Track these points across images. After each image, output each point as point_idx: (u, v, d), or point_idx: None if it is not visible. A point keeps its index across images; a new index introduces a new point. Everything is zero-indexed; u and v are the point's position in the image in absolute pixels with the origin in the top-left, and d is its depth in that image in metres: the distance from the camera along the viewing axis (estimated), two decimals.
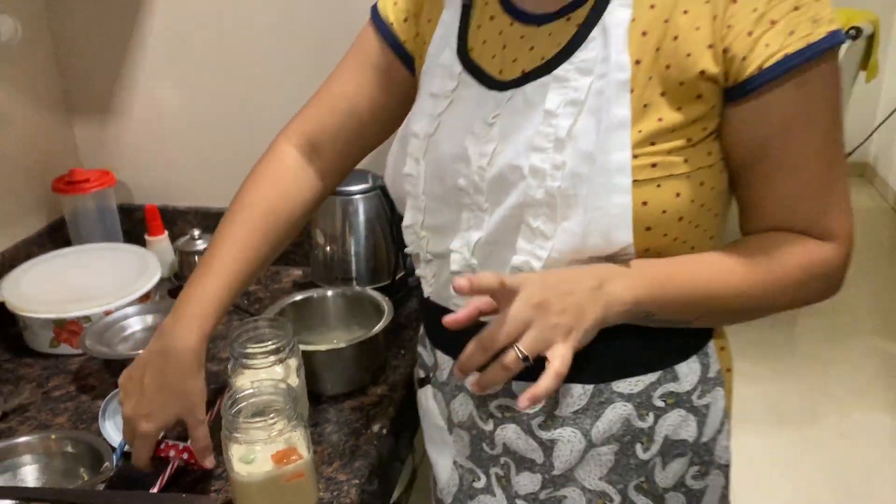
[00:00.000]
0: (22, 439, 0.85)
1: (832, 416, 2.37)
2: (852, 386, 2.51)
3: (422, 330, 0.89)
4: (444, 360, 0.82)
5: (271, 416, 0.73)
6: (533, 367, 0.64)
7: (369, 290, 1.06)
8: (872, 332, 2.79)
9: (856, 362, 2.63)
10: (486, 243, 0.73)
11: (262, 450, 0.73)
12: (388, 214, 1.13)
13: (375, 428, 0.91)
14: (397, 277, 1.16)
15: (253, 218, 0.83)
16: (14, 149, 1.21)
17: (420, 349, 0.90)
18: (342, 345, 0.95)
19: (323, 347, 0.94)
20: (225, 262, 0.81)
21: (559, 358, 0.62)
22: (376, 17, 0.85)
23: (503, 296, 0.63)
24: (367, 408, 0.94)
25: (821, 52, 0.63)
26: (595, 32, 0.67)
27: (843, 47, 2.66)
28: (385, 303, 1.01)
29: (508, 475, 0.80)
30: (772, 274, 0.70)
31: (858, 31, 2.78)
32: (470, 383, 0.67)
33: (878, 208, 3.86)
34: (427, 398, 0.87)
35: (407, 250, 0.82)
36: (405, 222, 0.79)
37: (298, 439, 0.75)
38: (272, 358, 0.83)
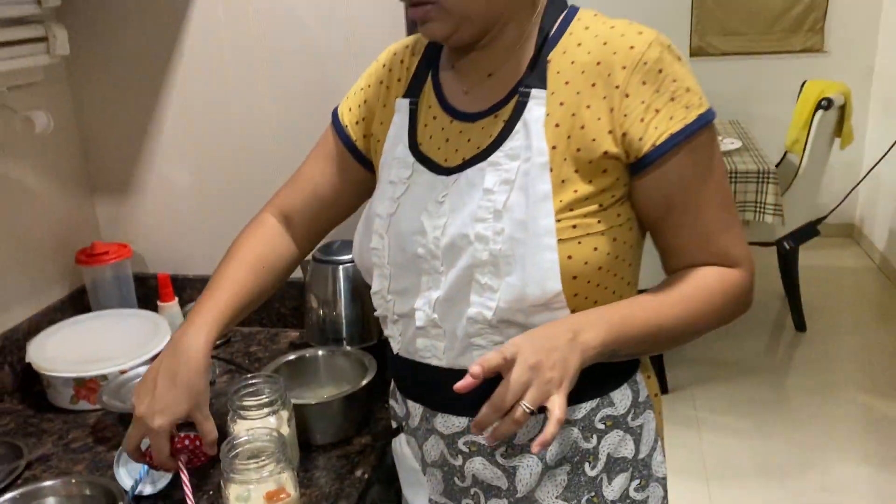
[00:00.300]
0: (46, 483, 0.96)
1: (816, 469, 2.45)
2: (836, 440, 2.58)
3: (392, 385, 1.01)
4: (415, 408, 0.95)
5: (263, 458, 0.85)
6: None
7: (356, 350, 1.18)
8: (857, 388, 2.88)
9: (840, 417, 2.71)
10: (444, 300, 0.86)
11: (256, 489, 0.85)
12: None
13: (358, 473, 1.02)
14: (382, 337, 1.28)
15: (245, 262, 0.99)
16: (42, 225, 1.36)
17: (392, 402, 1.02)
18: (330, 398, 1.07)
19: (312, 401, 1.06)
20: (224, 291, 0.96)
21: (558, 407, 0.74)
22: (335, 119, 1.03)
23: (506, 366, 0.76)
24: (352, 455, 1.06)
25: (697, 129, 0.80)
26: (518, 126, 0.83)
27: (817, 116, 2.84)
28: (369, 361, 1.13)
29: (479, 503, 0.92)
30: (701, 301, 0.85)
31: (829, 102, 2.95)
32: (485, 437, 0.78)
33: (865, 267, 3.98)
34: (401, 445, 0.99)
35: (376, 314, 0.95)
36: (374, 289, 0.93)
37: (287, 480, 0.87)
38: (266, 409, 0.94)
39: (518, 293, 0.81)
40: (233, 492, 0.85)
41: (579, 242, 0.81)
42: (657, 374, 2.82)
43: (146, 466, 0.99)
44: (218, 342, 1.08)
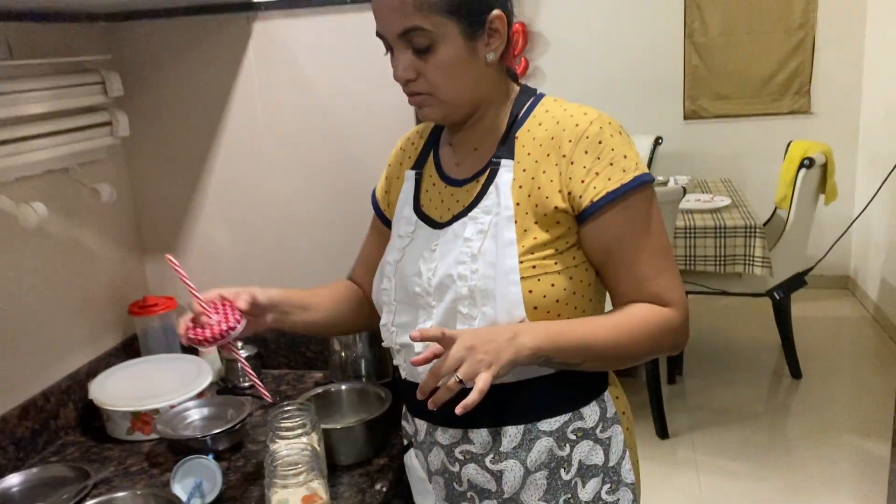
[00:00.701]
0: (118, 495, 1.14)
1: None
2: (831, 482, 2.70)
3: (403, 408, 1.20)
4: (421, 425, 1.13)
5: (300, 467, 1.03)
6: (460, 395, 0.94)
7: (375, 384, 1.36)
8: (851, 432, 3.00)
9: (835, 459, 2.83)
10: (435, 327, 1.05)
11: (294, 493, 1.02)
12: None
13: (377, 487, 1.19)
14: (396, 375, 1.47)
15: (331, 289, 1.26)
16: (100, 280, 1.57)
17: (403, 423, 1.20)
18: (352, 424, 1.25)
19: (338, 426, 1.24)
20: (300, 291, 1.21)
21: (482, 381, 0.92)
22: (373, 199, 1.27)
23: (446, 342, 0.94)
24: (372, 473, 1.23)
25: (632, 188, 1.00)
26: (491, 188, 1.05)
27: (801, 174, 3.05)
28: (385, 393, 1.32)
29: None
30: (632, 328, 1.03)
31: (812, 161, 3.16)
32: (429, 403, 0.95)
33: (859, 317, 4.12)
34: (411, 458, 1.17)
35: (383, 345, 1.14)
36: (382, 322, 1.13)
37: (319, 487, 1.04)
38: (299, 431, 1.12)
39: (491, 320, 1.00)
40: (276, 497, 1.03)
41: (538, 279, 1.00)
42: (657, 420, 2.99)
43: (196, 481, 1.17)
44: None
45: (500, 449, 1.07)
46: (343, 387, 1.37)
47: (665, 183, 3.45)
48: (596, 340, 1.01)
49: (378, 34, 1.05)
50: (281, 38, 1.50)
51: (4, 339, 1.33)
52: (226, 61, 1.54)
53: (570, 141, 1.02)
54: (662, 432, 3.03)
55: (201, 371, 1.50)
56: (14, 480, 1.26)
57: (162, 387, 1.44)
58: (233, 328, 1.09)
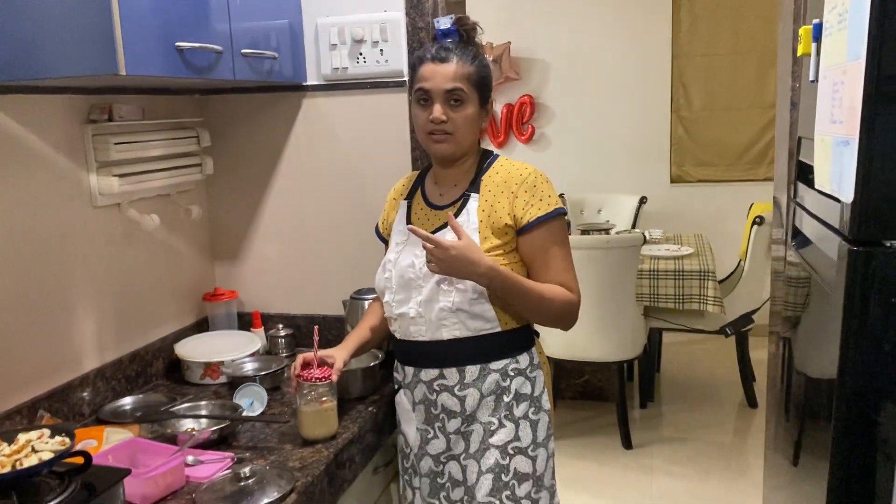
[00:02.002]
0: (201, 402, 1.75)
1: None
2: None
3: (395, 362, 1.76)
4: (409, 371, 1.68)
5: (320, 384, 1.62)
6: (442, 359, 1.55)
7: (370, 351, 1.96)
8: None
9: None
10: (425, 301, 1.60)
11: (315, 399, 1.61)
12: None
13: (372, 410, 1.77)
14: (390, 348, 2.06)
15: (365, 325, 1.79)
16: (184, 275, 2.20)
17: (395, 373, 1.77)
18: (357, 368, 1.84)
19: (351, 367, 1.83)
20: (356, 336, 1.76)
21: (435, 265, 1.49)
22: (377, 232, 1.83)
23: (436, 243, 1.47)
24: (369, 403, 1.82)
25: (552, 216, 1.57)
26: (464, 211, 1.61)
27: (753, 230, 3.67)
28: (381, 354, 1.91)
29: (444, 423, 1.64)
30: (551, 294, 1.57)
31: (762, 219, 3.73)
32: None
33: None
34: (400, 397, 1.73)
35: (385, 315, 1.73)
36: (385, 300, 1.69)
37: (330, 397, 1.63)
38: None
39: (462, 291, 1.56)
40: (302, 401, 1.62)
41: None
42: (623, 434, 3.51)
43: (249, 400, 1.77)
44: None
45: (464, 381, 1.61)
46: None
47: (645, 236, 4.03)
48: (528, 291, 1.55)
49: (421, 89, 1.58)
50: (321, 110, 2.15)
51: (122, 308, 1.95)
52: (281, 125, 2.19)
53: (516, 183, 1.59)
54: (627, 444, 3.56)
55: (252, 341, 2.11)
56: (127, 400, 1.87)
57: (225, 349, 2.05)
58: (323, 378, 1.63)
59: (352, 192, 2.17)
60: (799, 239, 1.78)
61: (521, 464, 1.62)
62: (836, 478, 1.44)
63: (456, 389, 1.63)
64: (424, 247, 1.52)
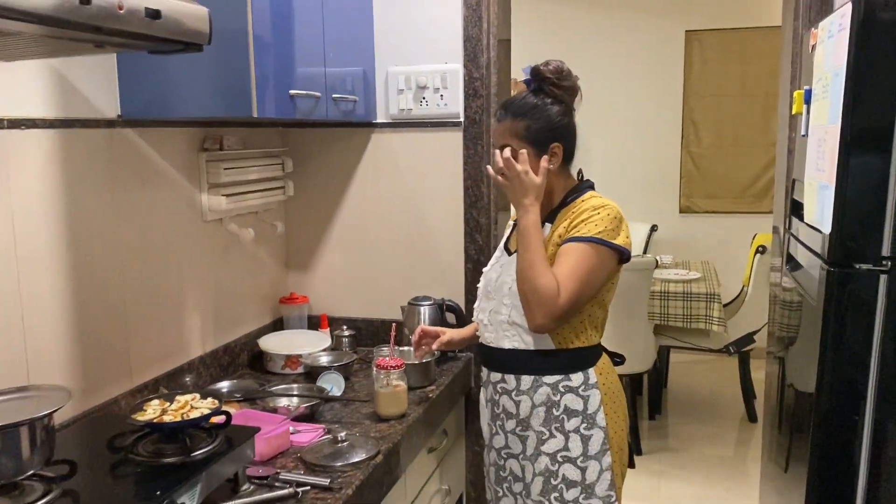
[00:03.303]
0: (293, 385, 2.10)
1: (747, 502, 3.38)
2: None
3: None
4: (484, 371, 1.89)
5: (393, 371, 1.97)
6: (508, 366, 1.81)
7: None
8: None
9: None
10: (492, 310, 1.85)
11: (390, 383, 1.96)
12: (440, 315, 2.41)
13: (431, 396, 2.13)
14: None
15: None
16: (265, 282, 2.56)
17: (481, 373, 2.01)
18: (417, 363, 2.19)
19: (412, 362, 2.18)
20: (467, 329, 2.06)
21: (522, 172, 1.70)
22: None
23: (515, 159, 1.69)
24: (428, 392, 2.17)
25: (584, 240, 1.68)
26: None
27: (756, 258, 4.05)
28: (438, 352, 2.26)
29: (504, 423, 1.82)
30: (538, 271, 1.66)
31: (764, 248, 4.09)
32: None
33: None
34: (479, 395, 1.99)
35: (473, 319, 1.97)
36: (475, 306, 1.92)
37: (401, 381, 1.98)
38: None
39: (518, 309, 1.73)
40: (378, 383, 1.97)
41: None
42: (633, 440, 3.83)
43: (330, 385, 2.12)
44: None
45: (520, 388, 1.78)
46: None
47: (656, 261, 4.39)
48: (529, 249, 1.68)
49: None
50: (387, 144, 2.53)
51: (219, 306, 2.31)
52: (353, 155, 2.56)
53: (580, 211, 1.72)
54: (637, 450, 3.89)
55: (322, 338, 2.46)
56: (224, 384, 2.22)
57: (301, 344, 2.41)
58: (397, 367, 1.97)
59: (410, 213, 2.54)
60: (792, 264, 2.14)
61: (570, 471, 1.76)
62: (814, 479, 1.77)
63: (513, 394, 1.80)
64: (501, 154, 1.72)
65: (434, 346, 2.01)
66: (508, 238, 1.91)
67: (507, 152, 1.73)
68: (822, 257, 1.69)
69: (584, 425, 1.75)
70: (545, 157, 1.74)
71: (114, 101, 1.84)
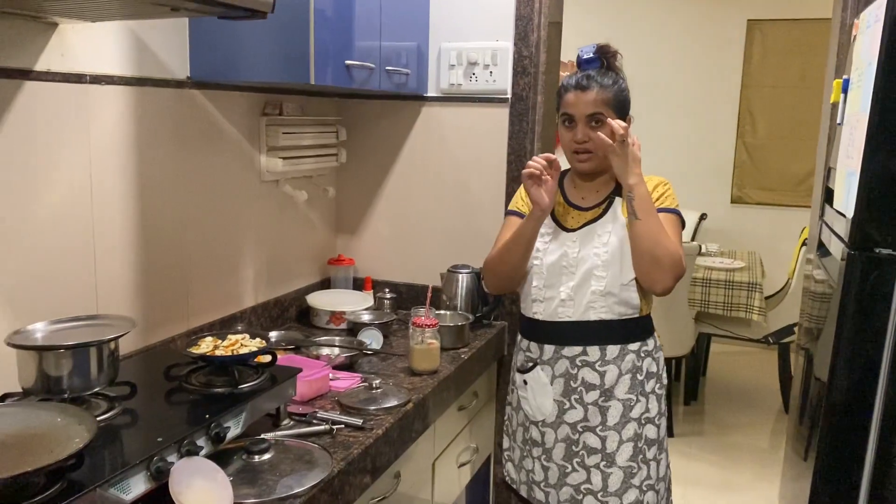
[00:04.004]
0: (335, 337, 2.25)
1: (767, 483, 3.42)
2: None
3: (524, 340, 1.98)
4: (549, 349, 1.90)
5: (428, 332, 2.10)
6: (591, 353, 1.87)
7: (461, 313, 2.43)
8: None
9: None
10: (576, 285, 1.92)
11: (425, 340, 2.09)
12: (476, 284, 2.52)
13: (464, 356, 2.25)
14: (477, 314, 2.53)
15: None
16: (315, 243, 2.71)
17: (527, 353, 1.96)
18: (453, 325, 2.31)
19: (447, 323, 2.30)
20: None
21: (632, 145, 1.77)
22: (514, 211, 1.99)
23: (626, 136, 1.75)
24: (460, 351, 2.29)
25: (668, 210, 1.83)
26: (609, 211, 1.85)
27: (801, 251, 4.03)
28: (470, 315, 2.38)
29: (582, 396, 1.86)
30: (667, 234, 1.77)
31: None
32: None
33: None
34: (538, 372, 1.91)
35: (531, 300, 1.92)
36: (534, 285, 1.90)
37: (435, 339, 2.10)
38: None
39: (613, 277, 1.81)
40: (413, 340, 2.10)
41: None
42: (668, 422, 3.89)
43: (370, 339, 2.25)
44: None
45: (605, 358, 1.85)
46: (447, 313, 2.45)
47: (700, 247, 4.42)
48: (657, 217, 1.77)
49: (566, 114, 1.81)
50: (437, 117, 2.64)
51: (271, 262, 2.47)
52: (403, 127, 2.68)
53: (651, 185, 1.82)
54: (669, 432, 3.95)
55: (365, 299, 2.60)
56: (273, 334, 2.38)
57: (346, 302, 2.55)
58: (431, 325, 2.08)
59: (455, 185, 2.65)
60: (822, 251, 2.19)
61: (650, 431, 1.88)
62: (822, 464, 1.82)
63: (597, 365, 1.86)
64: (615, 131, 1.74)
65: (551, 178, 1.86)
66: (555, 216, 1.94)
67: (620, 123, 1.76)
68: (845, 241, 1.75)
69: (657, 385, 1.91)
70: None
71: (184, 64, 1.99)
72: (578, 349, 1.87)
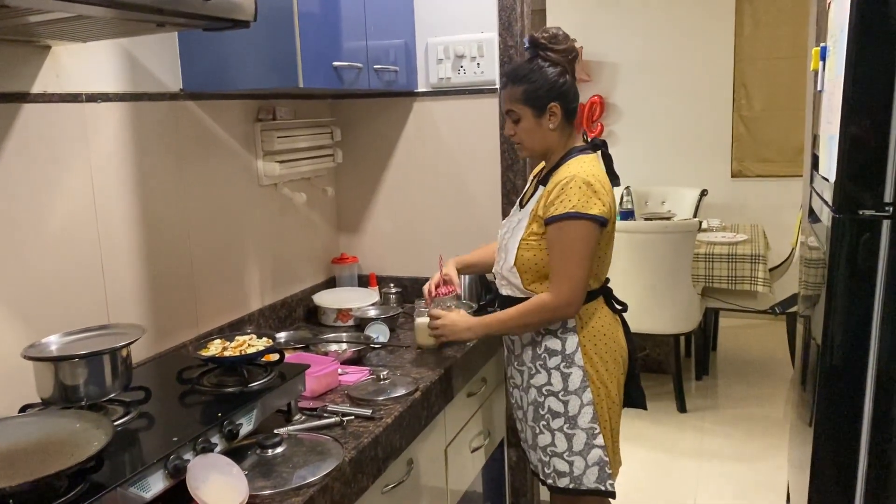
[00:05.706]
0: (342, 334, 2.30)
1: (777, 455, 3.45)
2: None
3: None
4: None
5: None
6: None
7: (465, 302, 2.48)
8: None
9: None
10: (497, 262, 2.10)
11: (424, 314, 2.14)
12: (479, 278, 2.58)
13: (469, 344, 2.29)
14: (481, 302, 2.58)
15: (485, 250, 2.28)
16: (318, 243, 2.77)
17: None
18: (463, 303, 2.36)
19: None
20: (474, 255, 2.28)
21: (443, 335, 2.06)
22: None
23: (436, 316, 2.08)
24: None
25: (561, 218, 1.82)
26: (532, 198, 1.99)
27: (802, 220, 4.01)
28: (474, 304, 2.43)
29: (511, 356, 2.12)
30: (524, 312, 1.91)
31: None
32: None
33: None
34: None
35: (489, 277, 2.23)
36: (494, 269, 2.16)
37: (454, 303, 2.16)
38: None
39: (502, 263, 2.01)
40: (418, 317, 2.15)
41: (526, 250, 1.91)
42: (678, 399, 3.94)
43: (377, 334, 2.31)
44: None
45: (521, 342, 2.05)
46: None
47: (700, 223, 4.45)
48: (507, 321, 1.95)
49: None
50: (428, 112, 2.68)
51: (276, 264, 2.52)
52: (396, 123, 2.73)
53: (555, 183, 1.85)
54: (682, 408, 3.99)
55: (370, 295, 2.66)
56: (281, 334, 2.43)
57: (351, 299, 2.60)
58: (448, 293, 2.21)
59: (451, 177, 2.70)
60: (812, 217, 2.22)
61: (554, 404, 1.98)
62: (820, 428, 1.85)
63: (514, 353, 2.10)
64: (431, 323, 2.08)
65: (453, 286, 2.21)
66: (524, 193, 2.08)
67: (432, 316, 2.10)
68: (829, 205, 1.78)
69: (563, 364, 1.97)
70: (546, 119, 1.91)
71: (176, 76, 2.04)
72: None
